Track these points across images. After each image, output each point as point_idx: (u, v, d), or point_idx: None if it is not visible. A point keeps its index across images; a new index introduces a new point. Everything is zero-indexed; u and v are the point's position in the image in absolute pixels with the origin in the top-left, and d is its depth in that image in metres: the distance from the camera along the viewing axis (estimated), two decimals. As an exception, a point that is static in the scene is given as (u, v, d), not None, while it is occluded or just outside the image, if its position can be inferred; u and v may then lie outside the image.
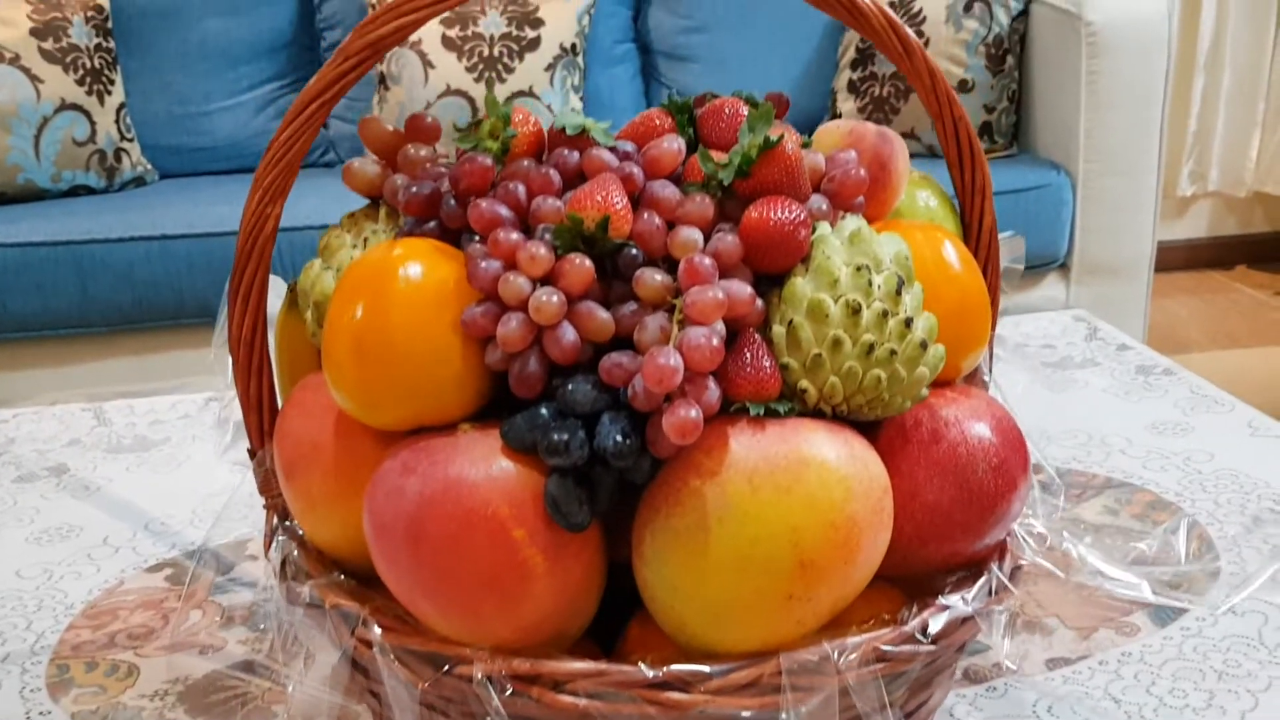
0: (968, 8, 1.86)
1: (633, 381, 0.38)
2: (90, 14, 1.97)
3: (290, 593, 0.47)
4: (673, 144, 0.44)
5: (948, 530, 0.43)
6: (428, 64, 1.93)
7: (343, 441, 0.44)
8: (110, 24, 2.01)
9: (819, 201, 0.44)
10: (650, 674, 0.39)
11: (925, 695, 0.47)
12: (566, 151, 0.44)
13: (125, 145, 2.00)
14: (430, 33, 1.93)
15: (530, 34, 1.94)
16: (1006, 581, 0.45)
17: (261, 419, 0.50)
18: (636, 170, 0.43)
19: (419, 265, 0.42)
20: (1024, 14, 1.87)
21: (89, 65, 1.94)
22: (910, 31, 0.49)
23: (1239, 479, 0.80)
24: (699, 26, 2.14)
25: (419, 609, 0.41)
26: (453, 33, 1.93)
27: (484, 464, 0.40)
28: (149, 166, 2.05)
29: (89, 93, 1.94)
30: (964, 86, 1.86)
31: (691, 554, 0.39)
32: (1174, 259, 3.10)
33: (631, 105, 2.16)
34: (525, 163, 0.44)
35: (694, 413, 0.37)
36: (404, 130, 0.50)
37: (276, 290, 0.57)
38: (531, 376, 0.39)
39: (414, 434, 0.42)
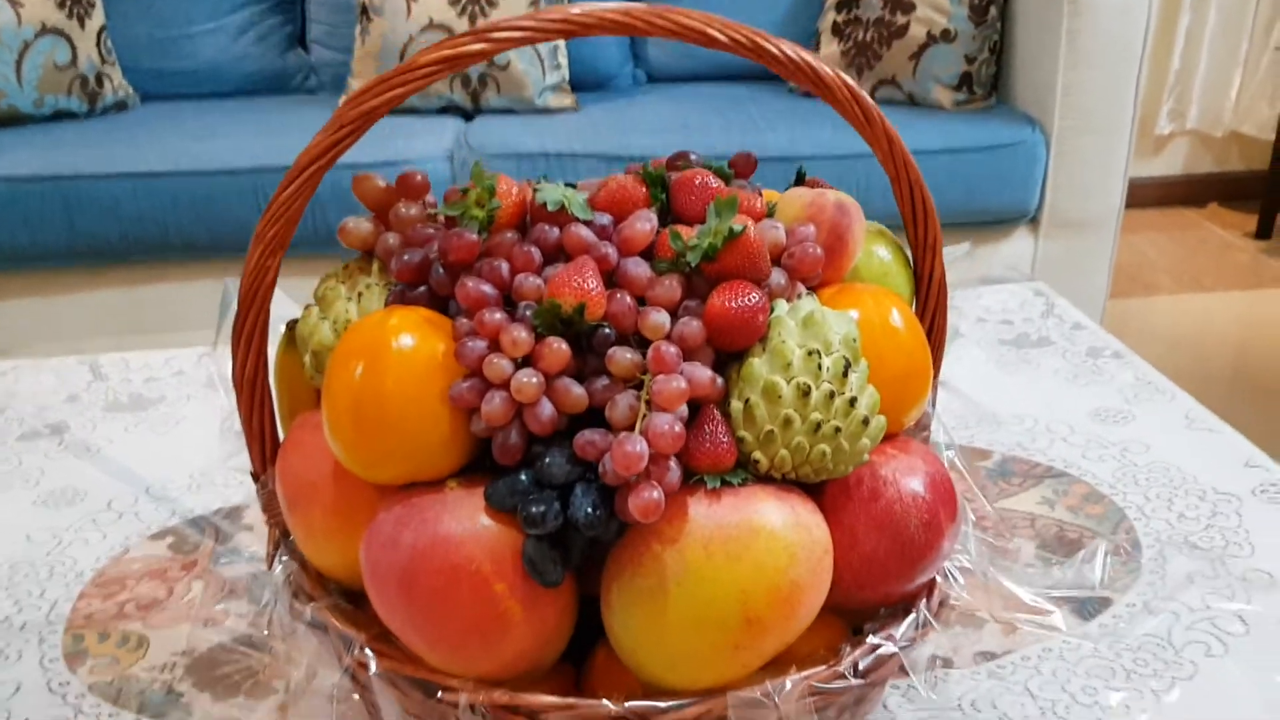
0: (952, -45, 1.86)
1: (603, 459, 0.43)
2: (69, -67, 1.94)
3: (294, 610, 0.52)
4: (645, 224, 0.47)
5: (882, 577, 0.49)
6: (412, -3, 1.92)
7: (340, 484, 0.49)
8: (90, -57, 1.99)
9: (779, 276, 0.48)
10: (614, 708, 0.44)
11: (861, 707, 0.53)
12: (547, 228, 0.48)
13: (106, 69, 1.99)
14: (415, -37, 1.92)
15: (515, -33, 1.93)
16: (932, 620, 0.50)
17: (264, 448, 0.54)
18: (611, 250, 0.47)
19: (411, 337, 0.46)
20: (1008, -36, 1.88)
21: (69, -13, 1.93)
22: (871, 100, 0.53)
23: (1170, 473, 0.85)
24: (685, -40, 2.13)
25: (411, 643, 0.46)
26: (437, -35, 1.92)
27: (469, 522, 0.44)
28: (130, 91, 2.04)
29: (69, 16, 1.92)
30: (946, 36, 1.87)
31: (652, 611, 0.44)
32: (1147, 196, 3.14)
33: (617, 41, 2.16)
34: (509, 235, 0.48)
35: (656, 494, 0.42)
36: (395, 187, 0.53)
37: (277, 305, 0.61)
38: (513, 447, 0.44)
39: (406, 488, 0.47)
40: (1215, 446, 0.88)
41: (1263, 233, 2.86)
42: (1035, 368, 1.03)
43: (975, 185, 1.76)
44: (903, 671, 0.52)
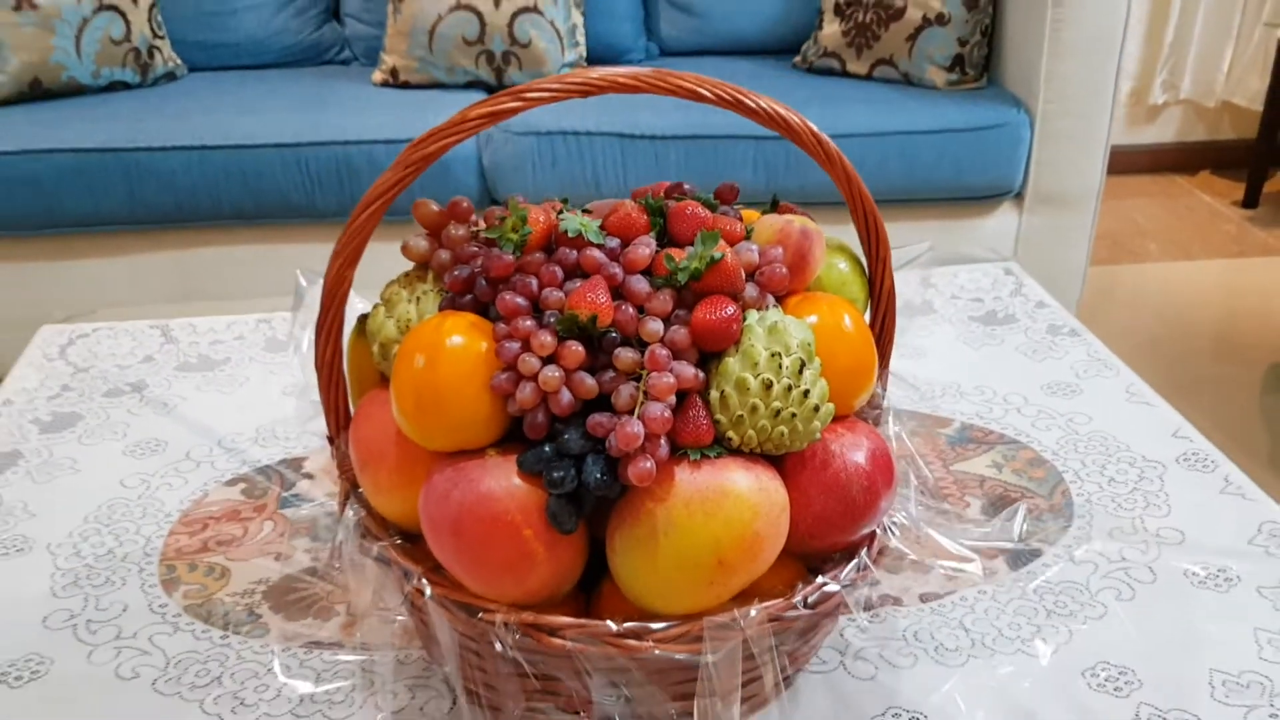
0: (950, -56, 1.94)
1: (610, 436, 0.54)
2: (121, -87, 2.03)
3: (363, 547, 0.64)
4: (644, 249, 0.58)
5: (830, 530, 0.60)
6: (442, -22, 2.00)
7: (402, 450, 0.60)
8: (140, -77, 2.07)
9: (752, 290, 0.59)
10: (615, 627, 0.56)
11: (814, 633, 0.65)
12: (568, 250, 0.59)
13: (157, 42, 2.09)
14: (444, -54, 2.00)
15: (538, -50, 2.01)
16: (870, 565, 0.62)
17: (338, 417, 0.66)
18: (618, 269, 0.58)
19: (460, 337, 0.57)
20: (1002, -47, 1.95)
21: (122, -35, 2.02)
22: (832, 143, 0.64)
23: (1107, 442, 0.96)
24: (698, -59, 2.21)
25: (458, 575, 0.58)
26: (465, -52, 2.00)
27: (504, 482, 0.56)
28: (179, 62, 2.14)
29: (123, -8, 2.02)
30: (941, 19, 1.95)
31: (646, 554, 0.56)
32: (1140, 162, 3.21)
33: (630, 15, 2.24)
34: (537, 255, 0.59)
35: (650, 464, 0.53)
36: (446, 210, 0.64)
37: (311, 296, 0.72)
38: (539, 426, 0.56)
39: (455, 455, 0.58)
40: (1149, 419, 0.99)
41: (1250, 202, 2.93)
42: (999, 343, 1.14)
43: (964, 163, 1.85)
44: (845, 607, 0.64)
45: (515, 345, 0.56)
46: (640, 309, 0.57)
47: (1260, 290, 2.48)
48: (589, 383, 0.55)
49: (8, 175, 1.75)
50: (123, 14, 2.01)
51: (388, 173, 0.60)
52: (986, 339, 1.15)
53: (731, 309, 0.56)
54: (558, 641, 0.56)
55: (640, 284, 0.58)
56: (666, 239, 0.62)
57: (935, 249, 1.27)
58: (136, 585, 0.81)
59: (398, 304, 0.63)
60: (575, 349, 0.55)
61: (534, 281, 0.58)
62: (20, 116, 1.85)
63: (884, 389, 0.70)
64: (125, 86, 2.04)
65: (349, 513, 0.66)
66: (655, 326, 0.56)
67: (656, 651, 0.56)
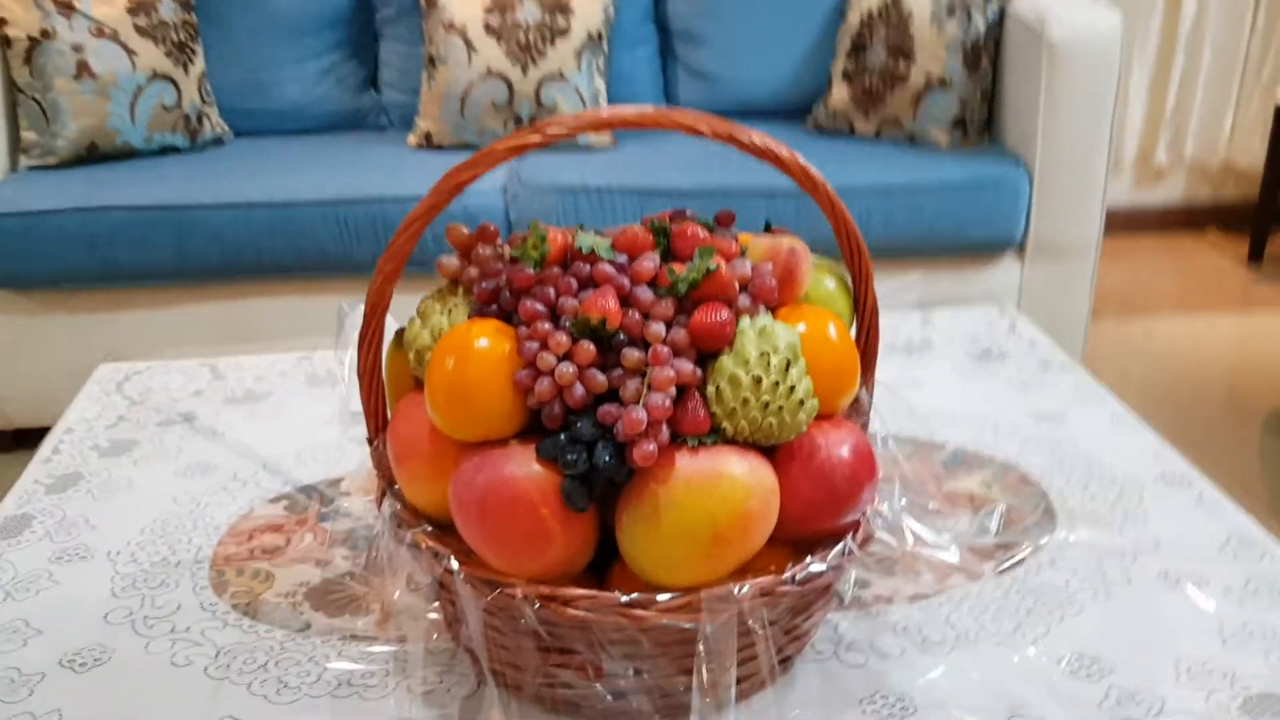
0: (950, 12, 2.03)
1: (617, 424, 0.61)
2: (175, -9, 2.17)
3: (397, 535, 0.71)
4: (650, 262, 0.66)
5: (817, 516, 0.66)
6: (471, 48, 2.12)
7: (435, 444, 0.67)
8: (193, 1, 2.21)
9: (745, 300, 0.66)
10: (623, 598, 0.62)
11: (803, 618, 0.70)
12: (581, 265, 0.66)
13: (206, 109, 2.21)
14: (473, 19, 2.12)
15: (562, 22, 2.13)
16: (855, 548, 0.68)
17: (377, 420, 0.73)
18: (625, 280, 0.65)
19: (487, 340, 0.64)
20: (999, 22, 2.05)
21: (175, 39, 2.15)
22: (818, 172, 0.71)
23: (1090, 463, 1.02)
24: (713, 12, 2.32)
25: (482, 553, 0.64)
26: (493, 20, 2.12)
27: (524, 467, 0.63)
28: (226, 128, 2.26)
29: (175, 63, 2.14)
30: (943, 83, 2.04)
31: (649, 529, 0.62)
32: (1148, 223, 3.28)
33: (650, 80, 2.35)
34: (555, 270, 0.67)
35: (652, 447, 0.60)
36: (475, 234, 0.72)
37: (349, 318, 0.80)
38: (555, 416, 0.62)
39: (481, 444, 0.65)
40: (1131, 442, 1.05)
41: (1254, 259, 2.99)
42: (993, 376, 1.20)
43: (966, 217, 1.93)
44: (828, 590, 0.69)
45: (535, 345, 0.63)
46: (645, 315, 0.64)
47: (1263, 341, 2.52)
48: (599, 378, 0.62)
49: (65, 231, 1.86)
50: (174, 83, 2.14)
51: (425, 199, 0.67)
52: (981, 373, 1.21)
53: (726, 313, 0.63)
54: (572, 611, 0.62)
55: (645, 293, 0.65)
56: (670, 256, 0.69)
57: (927, 285, 1.34)
58: (189, 587, 0.88)
59: (431, 315, 0.70)
60: (587, 348, 0.62)
61: (552, 291, 0.65)
62: (78, 177, 1.97)
63: (870, 396, 0.76)
64: (175, 150, 2.15)
65: (386, 505, 0.73)
66: (658, 329, 0.63)
67: (661, 621, 0.62)
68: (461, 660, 0.77)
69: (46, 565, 0.90)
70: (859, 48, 2.17)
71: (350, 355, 0.85)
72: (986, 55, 2.03)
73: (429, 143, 2.17)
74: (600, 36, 2.19)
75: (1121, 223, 3.25)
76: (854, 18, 2.19)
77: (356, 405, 0.77)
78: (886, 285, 1.93)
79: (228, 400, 1.20)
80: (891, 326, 1.33)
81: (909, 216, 1.93)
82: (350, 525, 0.96)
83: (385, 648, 0.79)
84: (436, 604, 0.80)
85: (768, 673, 0.70)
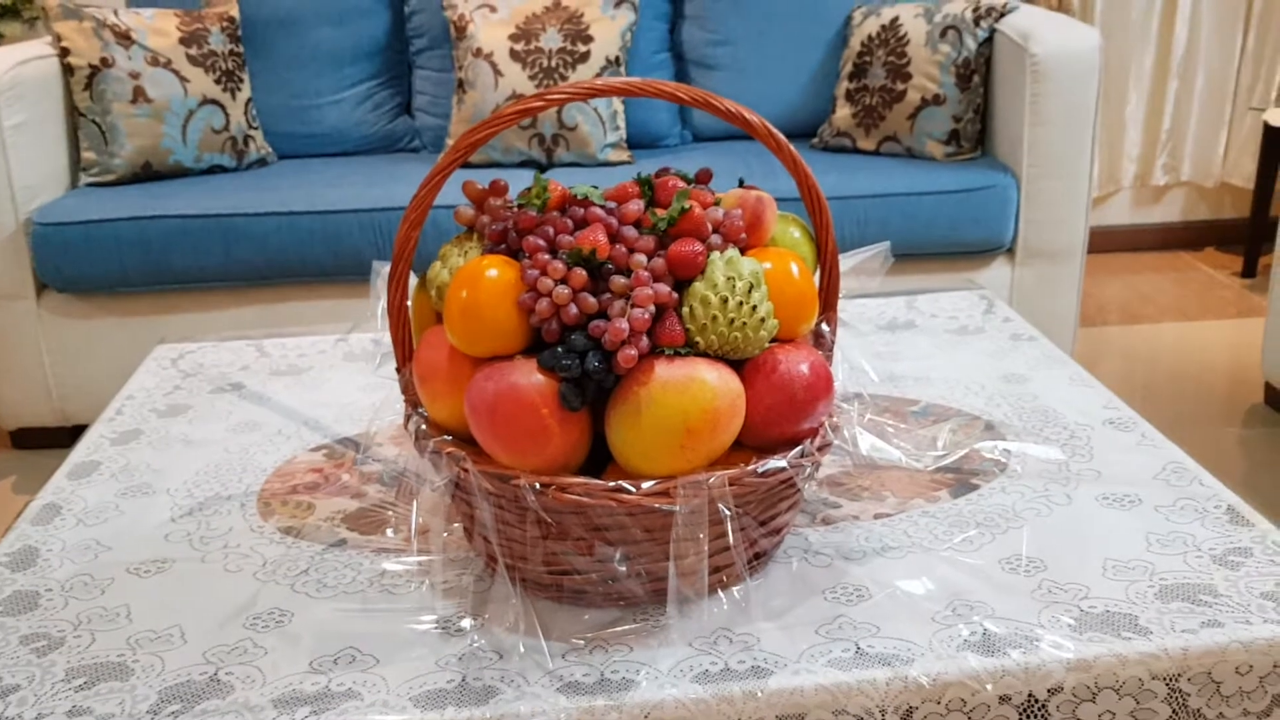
0: (943, 34, 2.15)
1: (605, 334, 0.71)
2: (225, 24, 2.32)
3: (420, 447, 0.81)
4: (635, 206, 0.76)
5: (778, 421, 0.76)
6: (498, 72, 2.25)
7: (452, 363, 0.78)
8: (240, 32, 2.36)
9: (716, 238, 0.77)
10: (610, 484, 0.72)
11: (774, 512, 0.80)
12: (577, 208, 0.77)
13: (252, 132, 2.35)
14: (500, 45, 2.26)
15: (582, 48, 2.26)
16: (813, 450, 0.78)
17: (404, 351, 0.84)
18: (614, 220, 0.76)
19: (496, 270, 0.75)
20: (989, 40, 2.16)
21: (224, 67, 2.29)
22: (782, 135, 0.81)
23: (1045, 414, 1.11)
24: (724, 40, 2.44)
25: (492, 450, 0.75)
26: (519, 47, 2.26)
27: (528, 376, 0.73)
28: (269, 150, 2.40)
29: (224, 90, 2.29)
30: (937, 100, 2.15)
31: (632, 424, 0.72)
32: (1149, 240, 3.36)
33: (665, 104, 2.47)
34: (554, 213, 0.77)
35: (633, 352, 0.70)
36: (489, 188, 0.83)
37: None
38: (553, 331, 0.73)
39: (491, 359, 0.76)
40: (1085, 396, 1.14)
41: (1248, 272, 3.06)
42: (967, 348, 1.30)
43: (958, 221, 2.03)
44: (793, 489, 0.79)
45: (536, 272, 0.73)
46: (630, 249, 0.75)
47: (1248, 344, 2.59)
48: (590, 300, 0.73)
49: (121, 239, 2.00)
50: (223, 107, 2.28)
51: (444, 156, 0.79)
52: (956, 345, 1.31)
53: (699, 246, 0.74)
54: (568, 496, 0.73)
55: (631, 231, 0.75)
56: (654, 204, 0.80)
57: (923, 286, 1.44)
58: (239, 516, 0.98)
59: (450, 257, 0.81)
60: (580, 273, 0.73)
61: (551, 230, 0.76)
62: (133, 192, 2.11)
63: (833, 331, 0.86)
64: (223, 170, 2.29)
65: (412, 423, 0.83)
66: (640, 258, 0.73)
67: (642, 503, 0.72)
68: (475, 565, 0.87)
69: (113, 499, 1.01)
70: (860, 70, 2.28)
71: (382, 303, 0.96)
72: (978, 73, 2.14)
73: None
74: (618, 61, 2.32)
75: (1123, 241, 3.33)
76: (855, 42, 2.30)
77: (388, 347, 0.88)
78: (884, 285, 2.02)
79: (273, 373, 1.31)
80: (878, 308, 1.43)
81: (906, 221, 2.03)
82: (382, 468, 1.06)
83: (411, 558, 0.89)
84: (455, 525, 0.90)
85: (743, 565, 0.80)
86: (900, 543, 0.89)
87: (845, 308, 1.26)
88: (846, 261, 0.97)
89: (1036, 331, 1.33)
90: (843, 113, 2.30)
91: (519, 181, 2.14)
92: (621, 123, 2.35)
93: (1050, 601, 0.80)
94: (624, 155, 2.34)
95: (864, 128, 2.26)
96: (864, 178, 2.09)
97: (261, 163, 2.37)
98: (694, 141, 2.55)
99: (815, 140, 2.40)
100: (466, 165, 2.30)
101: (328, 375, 1.30)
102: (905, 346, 1.31)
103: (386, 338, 0.87)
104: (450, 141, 2.32)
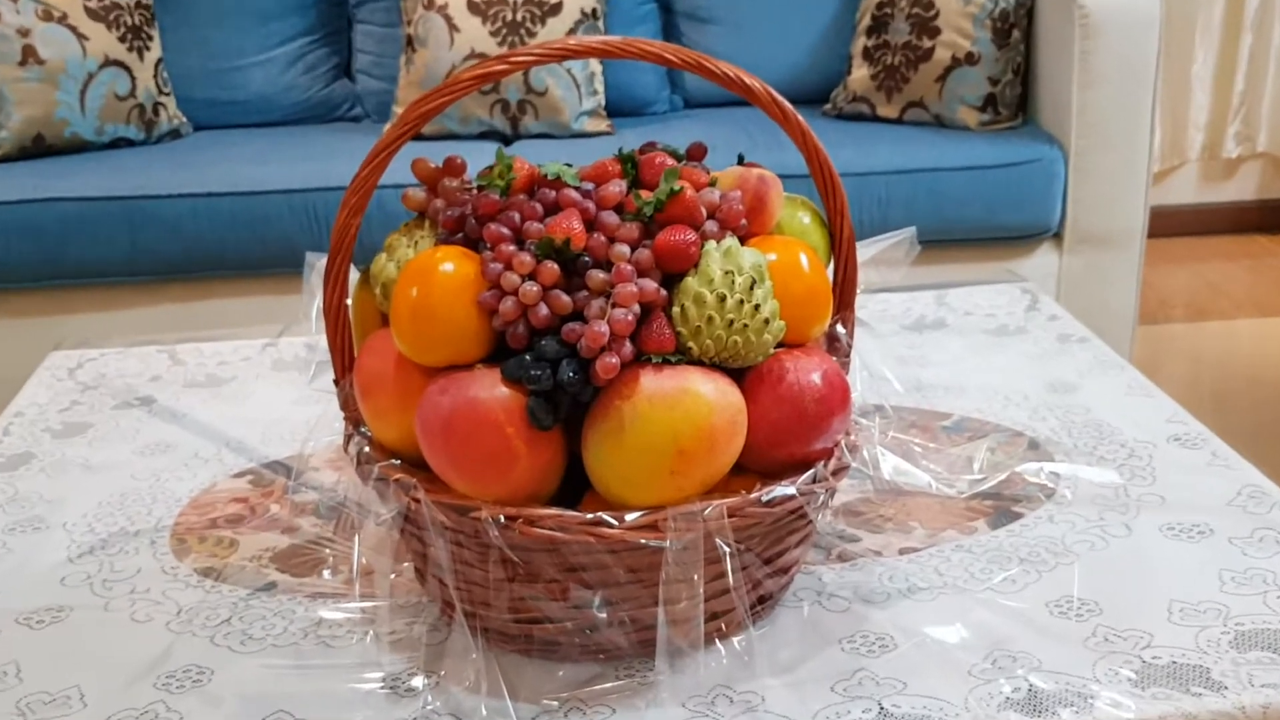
0: (976, -19, 2.16)
1: (581, 339, 0.71)
2: (130, -29, 2.32)
3: (363, 473, 0.81)
4: (616, 187, 0.76)
5: (786, 439, 0.76)
6: (453, 27, 2.25)
7: (401, 374, 0.78)
8: (149, -19, 2.36)
9: (712, 225, 0.77)
10: (588, 516, 0.72)
11: (781, 548, 0.80)
12: (547, 190, 0.77)
13: (162, 99, 2.34)
14: (456, -4, 2.26)
15: (553, -1, 2.26)
16: (827, 474, 0.78)
17: (343, 359, 0.84)
18: (591, 205, 0.76)
19: (452, 264, 0.75)
20: (1031, -11, 2.17)
21: (130, 22, 2.29)
22: (787, 102, 0.82)
23: (1100, 428, 1.12)
24: (720, -12, 2.45)
25: (448, 477, 0.75)
26: (478, -3, 2.26)
27: (490, 388, 0.73)
28: (184, 119, 2.40)
29: (130, 49, 2.28)
30: (970, 59, 2.16)
31: (614, 445, 0.72)
32: (1219, 222, 3.38)
33: (650, 66, 2.47)
34: (521, 197, 0.77)
35: (614, 360, 0.70)
36: (442, 167, 0.83)
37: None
38: (520, 336, 0.73)
39: (446, 369, 0.76)
40: (1146, 408, 1.15)
41: (1336, 259, 3.08)
42: (1006, 351, 1.30)
43: (996, 201, 2.04)
44: (804, 521, 0.79)
45: (499, 266, 0.73)
46: (610, 239, 0.75)
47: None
48: (564, 299, 0.73)
49: (8, 225, 1.99)
50: (128, 70, 2.27)
51: (391, 129, 0.78)
52: (994, 348, 1.31)
53: (691, 234, 0.74)
54: (539, 531, 0.72)
55: (611, 217, 0.75)
56: (638, 186, 0.80)
57: (954, 278, 1.45)
58: (149, 555, 0.98)
59: (398, 249, 0.81)
60: (551, 267, 0.73)
61: (517, 216, 0.76)
62: (21, 170, 2.10)
63: (850, 333, 0.86)
64: (129, 144, 2.29)
65: (352, 445, 0.83)
66: (623, 249, 0.73)
67: (625, 538, 0.72)
68: (429, 612, 0.87)
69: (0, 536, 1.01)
70: (879, 24, 2.29)
71: (317, 303, 0.96)
72: (1018, 27, 2.15)
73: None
74: (595, 14, 2.32)
75: (1188, 223, 3.35)
76: (874, -9, 2.32)
77: (324, 353, 0.88)
78: (909, 278, 2.03)
79: (188, 385, 1.30)
80: (903, 305, 1.44)
81: (935, 202, 2.04)
82: (318, 497, 1.06)
83: (353, 604, 0.89)
84: (405, 565, 0.90)
85: (745, 610, 0.80)
86: (930, 582, 0.89)
87: (864, 305, 1.26)
88: (865, 250, 0.97)
89: (1088, 331, 1.34)
90: (860, 74, 2.31)
91: (479, 157, 2.13)
92: (600, 86, 2.35)
93: (1107, 651, 0.80)
94: (602, 125, 2.34)
95: (885, 91, 2.27)
96: (885, 151, 2.09)
97: (174, 135, 2.37)
98: (685, 108, 2.56)
99: (828, 107, 2.40)
100: (417, 138, 2.30)
101: (254, 387, 1.29)
102: (934, 350, 1.32)
103: (323, 343, 0.86)
104: (398, 110, 2.32)
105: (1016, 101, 2.21)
